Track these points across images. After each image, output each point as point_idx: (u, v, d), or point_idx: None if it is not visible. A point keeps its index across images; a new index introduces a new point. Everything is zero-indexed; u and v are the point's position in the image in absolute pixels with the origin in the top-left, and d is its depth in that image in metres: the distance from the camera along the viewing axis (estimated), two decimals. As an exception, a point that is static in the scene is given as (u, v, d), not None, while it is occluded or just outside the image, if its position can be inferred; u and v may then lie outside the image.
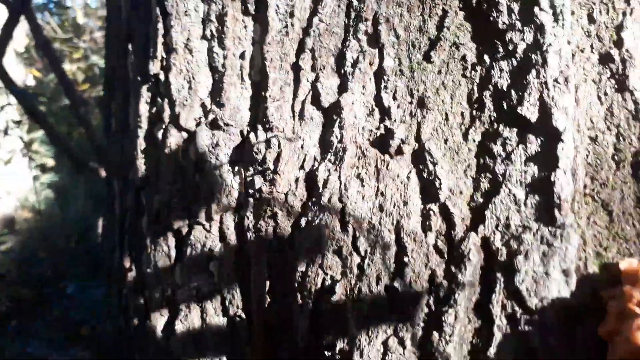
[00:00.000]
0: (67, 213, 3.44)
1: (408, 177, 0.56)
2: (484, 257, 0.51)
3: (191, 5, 0.71)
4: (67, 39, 3.41)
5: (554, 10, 0.55)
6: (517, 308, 0.49)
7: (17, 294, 2.19)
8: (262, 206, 0.64)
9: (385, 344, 0.51)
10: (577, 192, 0.52)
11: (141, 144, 0.78)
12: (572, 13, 0.57)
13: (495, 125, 0.55)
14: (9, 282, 2.26)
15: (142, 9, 0.79)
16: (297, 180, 0.63)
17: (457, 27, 0.59)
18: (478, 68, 0.58)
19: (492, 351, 0.48)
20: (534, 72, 0.55)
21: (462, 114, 0.57)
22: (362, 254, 0.55)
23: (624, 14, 0.57)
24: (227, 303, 0.67)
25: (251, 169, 0.66)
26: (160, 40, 0.74)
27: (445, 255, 0.52)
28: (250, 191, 0.66)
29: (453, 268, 0.51)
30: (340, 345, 0.53)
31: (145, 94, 0.77)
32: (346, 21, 0.64)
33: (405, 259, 0.53)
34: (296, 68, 0.66)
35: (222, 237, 0.68)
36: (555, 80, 0.54)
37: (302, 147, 0.64)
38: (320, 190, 0.60)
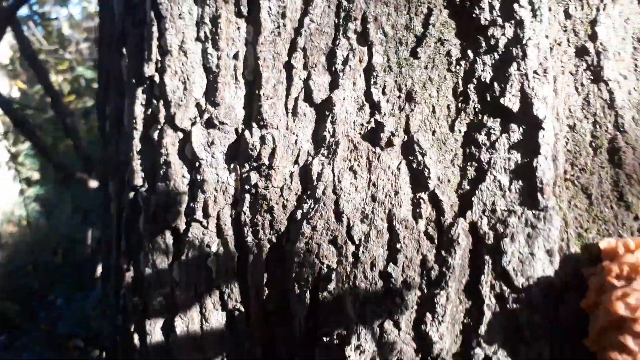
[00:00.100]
0: (54, 226, 3.42)
1: (398, 168, 0.59)
2: (472, 241, 0.54)
3: (185, 8, 0.74)
4: (52, 50, 3.42)
5: (533, 6, 0.59)
6: (505, 288, 0.52)
7: (4, 308, 2.18)
8: (259, 201, 0.67)
9: (381, 326, 0.53)
10: (558, 177, 0.55)
11: (137, 145, 0.80)
12: (550, 9, 0.61)
13: (480, 116, 0.59)
14: (1, 291, 2.25)
15: (135, 13, 0.82)
16: (291, 175, 0.66)
17: (441, 24, 0.63)
18: (462, 62, 0.62)
19: (482, 329, 0.51)
20: (514, 64, 0.58)
21: (448, 106, 0.61)
22: (357, 242, 0.58)
23: (598, 9, 0.61)
24: (225, 297, 0.69)
25: (247, 165, 0.69)
26: (155, 42, 0.77)
27: (436, 241, 0.55)
28: (246, 187, 0.68)
29: (443, 252, 0.54)
30: (337, 330, 0.56)
31: (140, 96, 0.80)
32: (336, 21, 0.67)
33: (398, 246, 0.56)
34: (289, 67, 0.69)
35: (220, 232, 0.70)
36: (535, 72, 0.58)
37: (295, 142, 0.67)
38: (315, 183, 0.63)
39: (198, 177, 0.72)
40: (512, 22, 0.59)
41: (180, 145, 0.75)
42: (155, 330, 0.74)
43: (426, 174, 0.58)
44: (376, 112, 0.62)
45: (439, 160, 0.58)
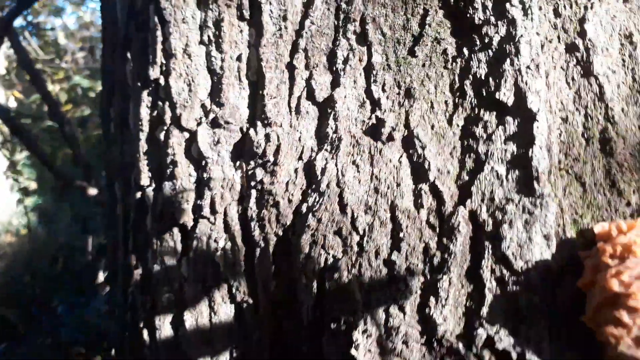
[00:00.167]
0: (53, 236, 3.42)
1: (399, 161, 0.62)
2: (472, 229, 0.57)
3: (188, 13, 0.76)
4: (48, 60, 3.43)
5: (524, 5, 0.62)
6: (505, 271, 0.54)
7: (4, 314, 2.18)
8: (264, 196, 0.69)
9: (386, 311, 0.55)
10: (552, 167, 0.57)
11: (143, 146, 0.82)
12: (540, 8, 0.64)
13: (476, 110, 0.61)
14: (1, 301, 2.24)
15: (139, 18, 0.84)
16: (296, 171, 0.68)
17: (437, 24, 0.65)
18: (458, 60, 0.64)
19: (484, 311, 0.53)
20: (508, 61, 0.61)
21: (445, 102, 0.63)
22: (361, 232, 0.60)
23: (586, 7, 0.64)
24: (233, 290, 0.71)
25: (252, 162, 0.71)
26: (159, 47, 0.79)
27: (437, 229, 0.58)
28: (252, 183, 0.70)
29: (445, 240, 0.56)
30: (344, 316, 0.58)
31: (145, 99, 0.81)
32: (336, 22, 0.70)
33: (401, 235, 0.58)
34: (291, 67, 0.71)
35: (227, 228, 0.72)
36: (528, 67, 0.60)
37: (299, 139, 0.69)
38: (319, 177, 0.65)
39: (205, 175, 0.74)
40: (505, 20, 0.62)
41: (187, 145, 0.77)
42: (164, 326, 0.75)
43: (426, 166, 0.60)
44: (377, 109, 0.65)
45: (438, 153, 0.60)
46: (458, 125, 0.61)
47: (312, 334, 0.63)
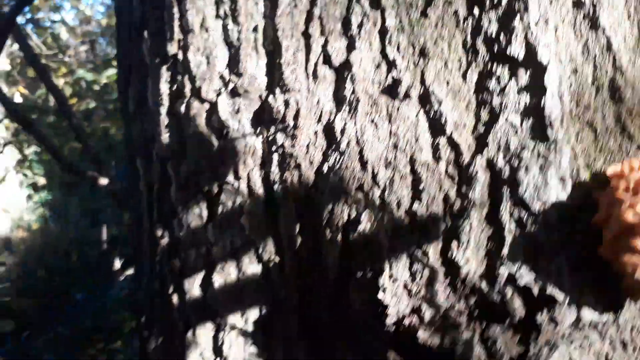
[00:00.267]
0: (64, 230, 3.45)
1: (417, 117, 0.64)
2: (490, 176, 0.59)
3: (204, -13, 0.78)
4: (51, 55, 3.45)
5: (531, -37, 0.64)
6: (523, 213, 0.56)
7: (23, 305, 2.22)
8: (286, 160, 0.71)
9: (411, 256, 0.58)
10: (564, 115, 0.60)
11: (164, 120, 0.84)
12: (547, -34, 0.66)
13: (489, 66, 0.64)
14: (18, 294, 2.29)
15: (154, -3, 0.86)
16: (316, 133, 0.71)
17: (448, -15, 0.67)
18: (469, 19, 0.66)
19: (505, 251, 0.56)
20: (518, 17, 0.63)
21: (459, 59, 0.65)
22: (382, 186, 0.63)
23: (591, -37, 0.66)
24: (260, 251, 0.74)
25: (272, 128, 0.74)
26: (176, 23, 0.81)
27: (456, 179, 0.60)
28: (274, 148, 0.73)
29: (464, 188, 0.59)
30: (370, 264, 0.61)
31: (164, 74, 0.84)
32: (349, -10, 0.72)
33: (421, 186, 0.61)
34: (306, 35, 0.73)
35: (251, 192, 0.75)
36: (537, 23, 0.62)
37: (318, 103, 0.71)
38: (339, 138, 0.68)
39: (227, 143, 0.76)
40: (514, -21, 0.64)
41: (207, 116, 0.79)
42: (193, 288, 0.78)
43: (443, 120, 0.63)
44: (393, 69, 0.67)
45: (454, 108, 0.63)
46: (472, 81, 0.64)
47: (337, 287, 0.66)
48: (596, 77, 0.63)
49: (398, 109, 0.65)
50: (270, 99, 0.74)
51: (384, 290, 0.57)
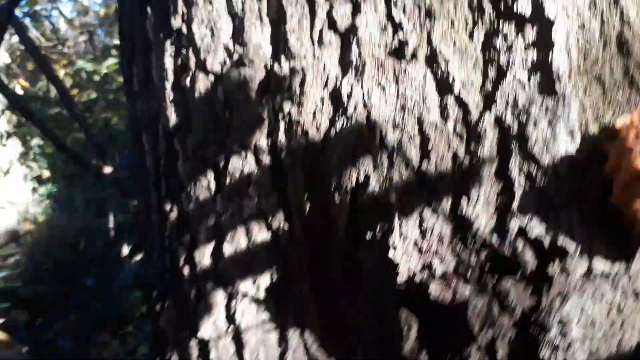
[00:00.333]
0: (70, 222, 3.47)
1: (424, 78, 0.64)
2: (498, 133, 0.59)
3: (206, -41, 0.78)
4: (51, 46, 3.44)
5: None
6: (532, 167, 0.57)
7: (37, 292, 2.25)
8: (293, 127, 0.72)
9: (421, 214, 0.59)
10: (572, 69, 0.60)
11: (169, 94, 0.84)
12: None
13: (496, 24, 0.64)
14: (29, 280, 2.31)
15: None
16: (322, 99, 0.71)
17: (452, -54, 0.67)
18: (475, -22, 0.66)
19: (515, 205, 0.56)
20: (524, -26, 0.63)
21: (465, 19, 0.65)
22: (390, 148, 0.63)
23: None
24: (269, 219, 0.74)
25: (278, 96, 0.74)
26: (179, -4, 0.81)
27: (465, 137, 0.60)
28: (280, 116, 0.73)
29: (472, 146, 0.59)
30: (380, 227, 0.61)
31: (169, 48, 0.84)
32: (352, -46, 0.71)
33: (429, 146, 0.61)
34: (311, 2, 0.73)
35: (258, 162, 0.75)
36: (544, -21, 0.62)
37: (324, 69, 0.71)
38: (345, 102, 0.68)
39: (233, 114, 0.76)
40: None
41: (213, 88, 0.79)
42: (204, 259, 0.79)
43: (450, 79, 0.63)
44: (399, 31, 0.67)
45: (461, 67, 0.63)
46: (479, 40, 0.64)
47: (347, 249, 0.67)
48: (603, 32, 0.62)
49: (405, 71, 0.65)
50: (276, 67, 0.74)
51: (394, 249, 0.58)
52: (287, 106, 0.73)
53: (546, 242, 0.54)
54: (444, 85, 0.63)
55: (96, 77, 3.21)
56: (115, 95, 3.22)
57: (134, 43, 0.98)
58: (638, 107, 0.58)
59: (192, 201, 0.81)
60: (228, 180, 0.77)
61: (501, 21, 0.63)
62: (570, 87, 0.59)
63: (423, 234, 0.58)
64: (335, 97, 0.70)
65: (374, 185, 0.63)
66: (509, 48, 0.62)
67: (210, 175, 0.79)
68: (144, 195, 1.02)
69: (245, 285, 0.77)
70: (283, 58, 0.74)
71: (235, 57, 0.77)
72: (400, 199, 0.61)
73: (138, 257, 2.10)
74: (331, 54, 0.71)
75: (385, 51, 0.68)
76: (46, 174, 3.87)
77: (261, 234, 0.75)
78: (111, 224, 2.58)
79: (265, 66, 0.76)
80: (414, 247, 0.58)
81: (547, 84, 0.59)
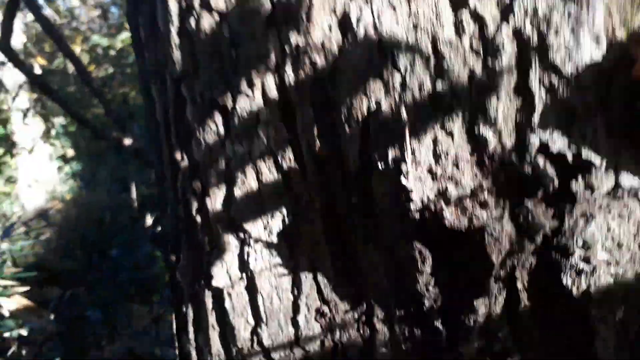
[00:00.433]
0: (96, 198, 3.58)
1: (437, -6, 0.61)
2: (517, 45, 0.57)
3: None
4: (66, 23, 3.50)
5: None
6: (554, 79, 0.54)
7: (65, 267, 2.34)
8: (300, 59, 0.70)
9: (434, 139, 0.57)
10: (599, -28, 0.56)
11: (175, 39, 0.84)
12: None
13: None
14: (59, 257, 2.41)
15: None
16: (330, 27, 0.69)
17: None
18: None
19: (535, 119, 0.54)
20: None
21: None
22: (403, 70, 0.61)
23: None
24: (279, 159, 0.74)
25: (284, 27, 0.72)
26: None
27: (482, 53, 0.58)
28: (287, 48, 0.72)
29: (490, 61, 0.57)
30: (392, 154, 0.60)
31: (173, -8, 0.83)
32: None
33: (444, 65, 0.59)
34: None
35: (266, 100, 0.75)
36: None
37: (331, -5, 0.69)
38: (355, 27, 0.66)
39: (239, 51, 0.75)
40: None
41: (218, 26, 0.79)
42: (216, 205, 0.80)
43: (465, -6, 0.60)
44: (408, -54, 0.64)
45: (476, -21, 0.60)
46: (495, -48, 0.60)
47: (360, 182, 0.66)
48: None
49: (416, -11, 0.63)
50: (281, -2, 0.72)
51: (407, 176, 0.56)
52: (293, 37, 0.71)
53: (569, 156, 0.52)
54: (458, 1, 0.60)
55: (112, 52, 3.26)
56: (132, 70, 3.26)
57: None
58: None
59: (202, 147, 0.81)
60: (236, 121, 0.77)
61: None
62: (596, -10, 0.55)
63: (437, 158, 0.57)
64: (344, 22, 0.68)
65: (385, 111, 0.61)
66: (529, -44, 0.58)
67: (219, 118, 0.79)
68: (156, 148, 1.03)
69: (258, 230, 0.77)
70: (288, -12, 0.72)
71: (239, -8, 0.76)
72: (413, 124, 0.59)
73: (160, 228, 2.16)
74: (338, -20, 0.69)
75: (395, -30, 0.65)
76: (70, 152, 3.98)
77: (271, 175, 0.75)
78: (134, 195, 2.64)
79: (271, 1, 0.74)
80: (427, 173, 0.57)
81: (571, -12, 0.55)
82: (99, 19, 3.63)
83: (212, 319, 0.85)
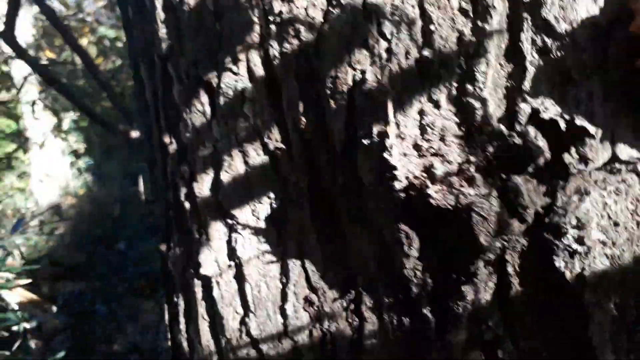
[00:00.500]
0: (108, 193, 3.66)
1: (425, -46, 0.59)
2: (508, 5, 0.54)
3: None
4: (72, 14, 3.57)
5: None
6: (547, 39, 0.51)
7: (75, 261, 2.40)
8: (284, 28, 0.69)
9: (420, 111, 0.55)
10: None
11: (160, 15, 0.84)
12: None
13: None
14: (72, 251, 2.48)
15: None
16: (314, -6, 0.68)
17: None
18: None
19: (526, 85, 0.51)
20: None
21: None
22: (389, 37, 0.59)
23: None
24: (265, 139, 0.73)
25: (268, -3, 0.71)
26: None
27: (471, 14, 0.55)
28: (271, 18, 0.71)
29: (480, 22, 0.55)
30: (376, 128, 0.58)
31: (157, -36, 0.83)
32: None
33: (432, 28, 0.57)
34: None
35: (251, 76, 0.74)
36: None
37: (315, -41, 0.68)
38: (339, -8, 0.65)
39: (223, 24, 0.75)
40: None
41: (202, 1, 0.78)
42: (204, 190, 0.80)
43: (454, -49, 0.57)
44: None
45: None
46: None
47: (345, 161, 0.65)
48: None
49: (403, -52, 0.61)
50: (264, -36, 0.71)
51: (391, 151, 0.55)
52: (277, 5, 0.70)
53: (562, 123, 0.49)
54: (446, -42, 0.58)
55: (119, 44, 3.31)
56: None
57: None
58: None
59: (189, 129, 0.81)
60: (222, 100, 0.77)
61: None
62: (596, -60, 0.52)
63: (423, 131, 0.55)
64: (329, -11, 0.67)
65: (371, 81, 0.60)
66: None
67: (205, 97, 0.79)
68: (146, 131, 1.04)
69: (245, 216, 0.77)
70: (271, -44, 0.71)
71: (223, -39, 0.75)
72: (399, 95, 0.57)
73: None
74: (322, -59, 0.68)
75: None
76: (82, 147, 4.08)
77: (259, 158, 0.74)
78: (141, 188, 2.69)
79: (255, -33, 0.74)
80: (413, 147, 0.55)
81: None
82: (105, 10, 3.70)
83: (201, 309, 0.85)
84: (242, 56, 0.74)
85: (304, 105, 0.69)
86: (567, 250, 0.48)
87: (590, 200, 0.48)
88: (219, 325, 0.82)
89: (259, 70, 0.73)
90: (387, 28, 0.60)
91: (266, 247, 0.77)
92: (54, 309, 1.78)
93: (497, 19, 0.54)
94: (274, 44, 0.71)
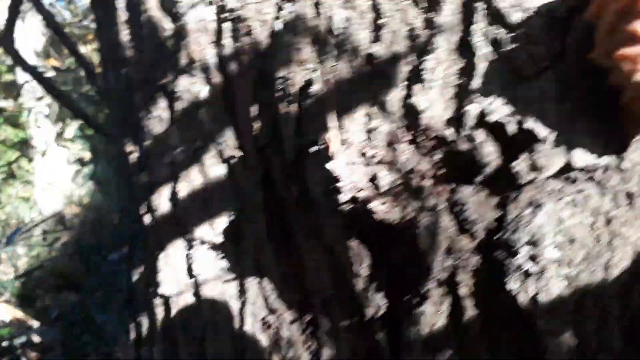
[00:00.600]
0: (112, 202, 3.73)
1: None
2: (463, -4, 0.52)
3: None
4: (76, 21, 3.67)
5: None
6: (499, 30, 0.49)
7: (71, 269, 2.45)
8: (238, 25, 0.69)
9: (367, 113, 0.53)
10: None
11: (120, 17, 0.85)
12: None
13: None
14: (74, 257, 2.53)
15: None
16: (269, -14, 0.67)
17: None
18: None
19: (476, 82, 0.49)
20: None
21: None
22: (339, 31, 0.58)
23: None
24: (221, 147, 0.73)
25: (222, -5, 0.71)
26: None
27: (424, 3, 0.53)
28: (225, 15, 0.70)
29: (432, 15, 0.52)
30: (324, 132, 0.56)
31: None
32: None
33: (383, 20, 0.55)
34: None
35: (208, 79, 0.74)
36: None
37: (266, -47, 0.67)
38: (292, -15, 0.64)
39: (180, 22, 0.75)
40: None
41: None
42: (162, 204, 0.80)
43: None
44: None
45: None
46: None
47: (297, 170, 0.63)
48: None
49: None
50: (214, -42, 0.71)
51: (334, 159, 0.53)
52: (231, 2, 0.70)
53: (511, 127, 0.47)
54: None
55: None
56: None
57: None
58: None
59: (149, 137, 0.81)
60: (179, 105, 0.77)
61: None
62: None
63: (369, 136, 0.53)
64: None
65: (319, 81, 0.58)
66: None
67: (164, 102, 0.79)
68: (118, 140, 1.05)
69: (203, 230, 0.76)
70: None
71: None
72: (345, 97, 0.55)
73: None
74: None
75: None
76: (87, 156, 4.18)
77: (215, 168, 0.74)
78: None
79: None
80: (358, 155, 0.53)
81: None
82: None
83: (162, 330, 0.84)
84: (197, 56, 0.74)
85: (258, 108, 0.68)
86: (519, 271, 0.45)
87: (544, 214, 0.45)
88: (180, 347, 0.82)
89: (214, 72, 0.72)
90: (338, 22, 0.58)
91: (224, 263, 0.75)
92: (35, 325, 1.80)
93: (450, 9, 0.51)
94: (228, 42, 0.70)
